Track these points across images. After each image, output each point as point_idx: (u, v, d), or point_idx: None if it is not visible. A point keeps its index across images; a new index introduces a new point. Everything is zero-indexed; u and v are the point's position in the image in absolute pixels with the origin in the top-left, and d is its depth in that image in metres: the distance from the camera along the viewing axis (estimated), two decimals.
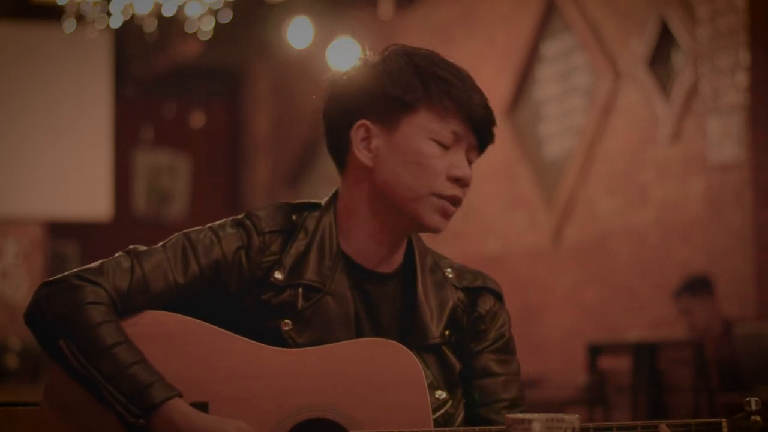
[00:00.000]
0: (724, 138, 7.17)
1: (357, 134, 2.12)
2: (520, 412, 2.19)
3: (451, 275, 2.20)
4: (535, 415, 1.77)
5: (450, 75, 2.10)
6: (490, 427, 2.05)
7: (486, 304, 2.21)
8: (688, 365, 6.72)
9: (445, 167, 2.09)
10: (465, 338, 2.19)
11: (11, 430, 2.09)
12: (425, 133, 2.09)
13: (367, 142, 2.12)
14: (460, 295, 2.19)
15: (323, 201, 2.18)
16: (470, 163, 2.14)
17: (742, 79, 7.06)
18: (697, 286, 6.89)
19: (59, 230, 12.09)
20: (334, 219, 2.15)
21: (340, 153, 2.16)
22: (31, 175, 10.67)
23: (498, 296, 2.23)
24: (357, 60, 2.17)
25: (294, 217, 2.15)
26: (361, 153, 2.11)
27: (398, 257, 2.17)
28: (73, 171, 10.76)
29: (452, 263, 2.23)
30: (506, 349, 2.22)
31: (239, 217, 2.15)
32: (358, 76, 2.14)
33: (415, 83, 2.09)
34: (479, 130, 2.12)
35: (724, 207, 7.17)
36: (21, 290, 10.75)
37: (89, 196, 10.87)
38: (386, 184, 2.10)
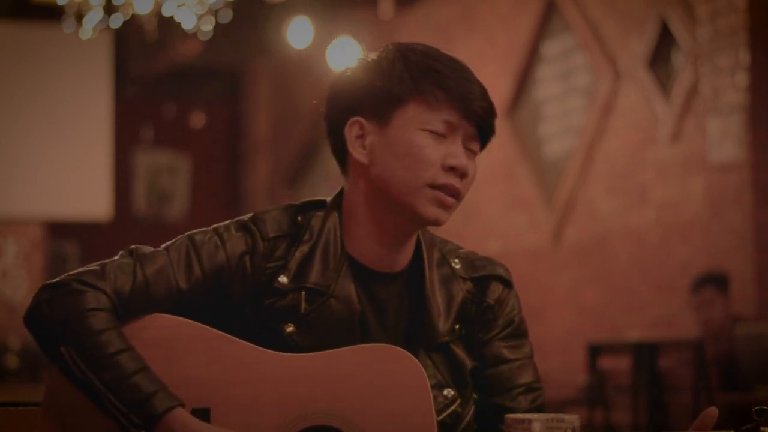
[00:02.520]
0: (724, 138, 7.17)
1: (351, 131, 2.10)
2: (538, 394, 2.18)
3: (458, 266, 2.18)
4: (535, 415, 1.77)
5: (441, 65, 2.08)
6: None
7: (494, 293, 2.19)
8: (688, 365, 6.72)
9: (440, 157, 2.06)
10: (475, 328, 2.17)
11: (11, 430, 2.08)
12: (417, 125, 2.06)
13: (362, 140, 2.09)
14: (469, 285, 2.17)
15: (328, 199, 2.16)
16: (474, 154, 2.12)
17: (742, 79, 7.06)
18: (722, 280, 6.79)
19: (59, 230, 12.09)
20: (339, 220, 2.13)
21: (341, 153, 2.14)
22: (31, 175, 10.66)
23: (506, 282, 2.22)
24: (355, 60, 2.16)
25: (299, 218, 2.13)
26: (355, 150, 2.09)
27: (405, 256, 2.14)
28: (73, 171, 10.75)
29: (459, 252, 2.20)
30: (517, 333, 2.21)
31: (245, 219, 2.12)
32: (352, 75, 2.12)
33: (404, 76, 2.07)
34: (475, 119, 2.08)
35: (724, 207, 7.17)
36: (21, 290, 10.74)
37: (89, 196, 10.86)
38: (381, 180, 2.07)
